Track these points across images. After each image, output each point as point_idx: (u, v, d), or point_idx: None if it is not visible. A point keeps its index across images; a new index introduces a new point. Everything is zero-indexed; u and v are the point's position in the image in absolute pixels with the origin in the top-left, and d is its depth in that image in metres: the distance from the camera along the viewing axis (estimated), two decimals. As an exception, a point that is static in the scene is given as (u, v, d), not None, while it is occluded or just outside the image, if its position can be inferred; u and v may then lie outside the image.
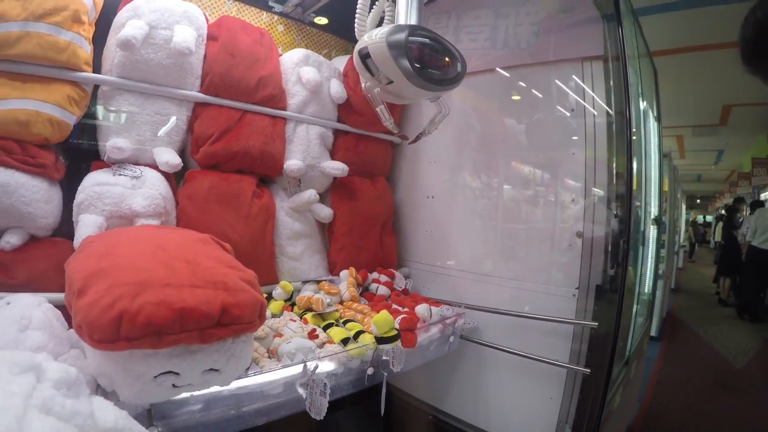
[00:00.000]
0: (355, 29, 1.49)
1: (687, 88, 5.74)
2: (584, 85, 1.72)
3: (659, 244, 3.29)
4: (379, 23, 1.60)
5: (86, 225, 1.34)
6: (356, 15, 1.48)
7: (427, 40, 1.31)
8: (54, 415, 0.69)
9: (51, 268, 1.34)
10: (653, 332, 5.43)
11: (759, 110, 6.50)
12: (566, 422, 1.66)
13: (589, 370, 1.57)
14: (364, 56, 1.32)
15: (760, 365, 4.95)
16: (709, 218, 21.39)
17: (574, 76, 1.75)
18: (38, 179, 1.35)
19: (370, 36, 1.30)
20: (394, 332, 1.48)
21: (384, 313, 1.50)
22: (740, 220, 7.81)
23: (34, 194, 1.33)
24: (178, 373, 0.94)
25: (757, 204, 7.61)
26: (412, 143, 1.70)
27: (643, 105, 2.61)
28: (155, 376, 0.92)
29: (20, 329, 1.03)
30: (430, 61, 1.31)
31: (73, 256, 1.14)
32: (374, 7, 1.57)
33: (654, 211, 3.20)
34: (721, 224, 12.91)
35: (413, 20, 1.42)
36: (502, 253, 1.99)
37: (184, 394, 1.04)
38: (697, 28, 3.98)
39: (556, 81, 1.81)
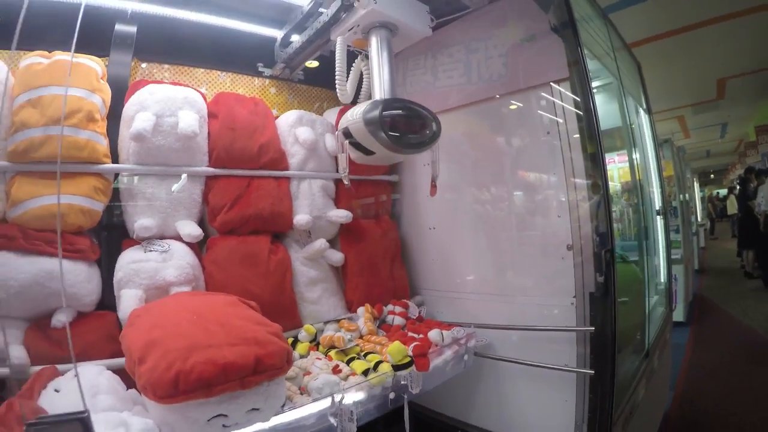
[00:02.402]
0: (337, 92, 1.81)
1: (677, 69, 6.00)
2: (555, 107, 1.97)
3: (668, 231, 3.47)
4: (360, 79, 1.93)
5: (128, 299, 1.64)
6: (336, 79, 1.79)
7: (399, 111, 1.61)
8: None
9: (99, 339, 1.64)
10: (681, 318, 5.64)
11: (753, 78, 6.73)
12: (583, 421, 1.88)
13: (593, 371, 1.80)
14: (347, 135, 1.63)
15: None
16: (724, 192, 21.18)
17: (544, 100, 2.01)
18: (78, 263, 1.65)
19: (348, 116, 1.61)
20: (408, 359, 1.76)
21: (397, 343, 1.78)
22: (753, 189, 7.90)
23: (77, 276, 1.63)
24: (226, 415, 1.22)
25: (764, 172, 7.75)
26: (434, 194, 1.98)
27: (628, 101, 2.83)
28: (208, 420, 1.21)
29: (92, 395, 1.33)
30: (407, 129, 1.62)
31: (126, 330, 1.44)
32: (352, 66, 1.89)
33: (658, 201, 3.42)
34: (733, 197, 12.83)
35: (386, 75, 1.73)
36: (503, 272, 2.25)
37: None
38: (673, 12, 4.19)
39: (529, 107, 2.08)
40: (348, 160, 1.74)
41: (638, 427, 2.27)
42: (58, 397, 1.32)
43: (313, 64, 2.51)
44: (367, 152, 1.68)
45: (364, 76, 1.91)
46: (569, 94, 1.93)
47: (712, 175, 23.16)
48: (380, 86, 1.74)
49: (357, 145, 1.66)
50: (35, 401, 1.30)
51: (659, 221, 3.44)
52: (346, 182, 1.85)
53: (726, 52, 5.56)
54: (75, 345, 1.59)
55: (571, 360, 1.92)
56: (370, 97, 1.83)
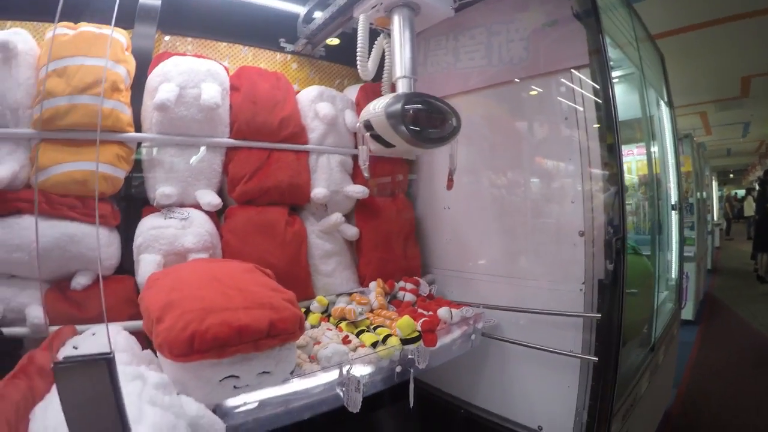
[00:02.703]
0: (359, 69, 1.84)
1: (702, 64, 5.90)
2: (574, 93, 1.98)
3: (682, 227, 3.48)
4: (382, 58, 1.95)
5: (147, 263, 1.71)
6: (357, 56, 1.83)
7: (420, 106, 1.64)
8: (159, 407, 1.05)
9: (118, 301, 1.71)
10: (690, 316, 5.63)
11: (779, 78, 6.51)
12: (583, 408, 1.92)
13: (597, 359, 1.84)
14: (368, 127, 1.67)
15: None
16: (742, 192, 20.99)
17: (564, 86, 2.02)
18: (100, 227, 1.73)
19: (370, 109, 1.64)
20: (416, 334, 1.81)
21: (406, 317, 1.84)
22: None
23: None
24: (238, 377, 1.28)
25: None
26: (450, 188, 2.02)
27: (649, 93, 2.81)
28: (220, 380, 1.27)
29: None
30: (428, 123, 1.65)
31: (145, 292, 1.51)
32: (374, 44, 1.92)
33: (674, 196, 3.42)
34: (751, 198, 12.65)
35: (407, 54, 1.75)
36: (515, 255, 2.27)
37: (243, 397, 1.39)
38: (699, 5, 4.11)
39: (549, 92, 2.09)
40: (368, 152, 1.79)
41: (638, 420, 2.31)
42: (76, 353, 1.38)
43: (333, 41, 2.53)
44: (388, 145, 1.72)
45: (386, 55, 1.93)
46: (589, 81, 1.93)
47: (731, 175, 22.86)
48: (401, 65, 1.76)
49: (377, 138, 1.71)
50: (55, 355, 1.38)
51: (674, 216, 3.43)
52: (365, 175, 1.92)
53: (752, 49, 5.44)
54: (93, 307, 1.67)
55: (577, 346, 1.95)
56: (391, 76, 1.86)
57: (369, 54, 1.89)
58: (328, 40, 2.48)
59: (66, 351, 1.41)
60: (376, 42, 1.92)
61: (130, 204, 1.92)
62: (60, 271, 1.68)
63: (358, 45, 1.81)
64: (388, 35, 1.89)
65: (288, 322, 1.33)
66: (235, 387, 1.31)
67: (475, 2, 2.19)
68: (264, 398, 1.46)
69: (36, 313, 1.56)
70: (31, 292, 1.62)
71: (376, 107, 1.63)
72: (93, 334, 1.50)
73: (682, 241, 3.50)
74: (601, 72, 1.85)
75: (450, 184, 2.00)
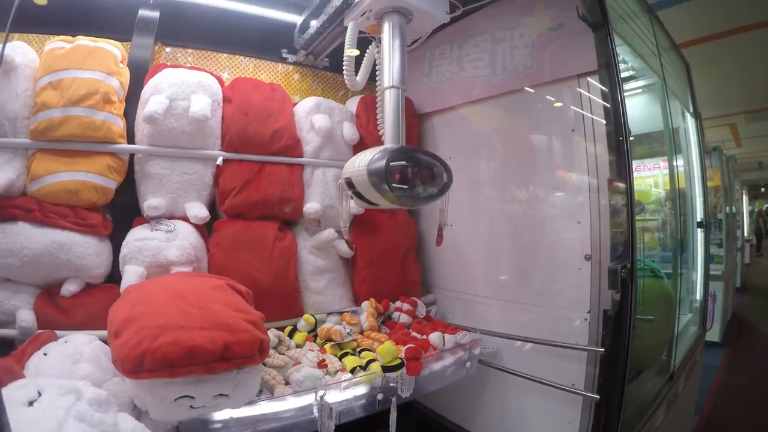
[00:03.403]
0: (345, 80, 1.79)
1: (731, 73, 5.61)
2: (582, 102, 1.87)
3: (708, 246, 3.27)
4: (374, 66, 1.89)
5: (130, 274, 1.73)
6: (344, 66, 1.79)
7: (407, 163, 1.55)
8: (86, 423, 1.05)
9: (104, 310, 1.67)
10: (716, 338, 5.41)
11: (813, 89, 6.10)
12: (586, 447, 1.79)
13: (598, 396, 1.71)
14: (350, 185, 1.60)
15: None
16: None
17: (570, 95, 1.91)
18: (89, 237, 1.77)
19: (354, 165, 1.56)
20: (398, 361, 1.73)
21: (388, 343, 1.76)
22: None
23: (87, 249, 1.75)
24: (193, 397, 1.26)
25: None
26: (439, 244, 1.93)
27: (673, 103, 2.65)
28: (175, 399, 1.24)
29: (73, 362, 1.43)
30: (415, 181, 1.56)
31: (116, 303, 1.52)
32: (366, 54, 1.87)
33: (700, 212, 3.23)
34: None
35: (396, 63, 1.69)
36: (518, 278, 2.17)
37: (212, 416, 1.38)
38: (727, 12, 3.89)
39: (554, 101, 1.99)
40: (349, 212, 1.75)
41: (654, 452, 2.13)
42: (45, 360, 1.44)
43: (353, 52, 2.50)
44: (371, 203, 1.64)
45: (377, 65, 1.87)
46: (598, 88, 1.82)
47: (762, 189, 21.70)
48: (389, 74, 1.70)
49: (359, 195, 1.62)
50: (24, 361, 1.43)
51: (699, 234, 3.24)
52: (346, 238, 1.89)
53: None
54: (80, 314, 1.73)
55: (580, 379, 1.83)
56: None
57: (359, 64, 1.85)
58: (348, 51, 2.44)
59: (36, 357, 1.45)
60: (367, 51, 1.87)
61: (123, 214, 1.94)
62: (50, 278, 1.73)
63: (345, 54, 1.77)
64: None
65: (245, 346, 1.30)
66: (191, 407, 1.28)
67: (478, 9, 2.11)
68: (226, 419, 1.42)
69: (24, 316, 1.62)
70: (22, 296, 1.69)
71: (360, 163, 1.55)
72: (65, 342, 1.53)
73: (708, 260, 3.31)
74: (610, 77, 1.75)
75: (439, 240, 1.91)
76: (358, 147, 2.36)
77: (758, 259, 14.85)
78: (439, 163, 1.64)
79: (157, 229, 1.84)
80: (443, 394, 2.22)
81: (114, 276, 1.84)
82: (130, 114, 1.92)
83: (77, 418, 1.04)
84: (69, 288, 1.72)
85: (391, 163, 1.49)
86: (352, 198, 1.68)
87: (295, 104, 2.31)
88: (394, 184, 1.48)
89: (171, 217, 1.93)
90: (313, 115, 2.23)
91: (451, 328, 2.12)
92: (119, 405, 1.35)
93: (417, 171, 1.58)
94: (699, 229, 3.23)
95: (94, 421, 1.07)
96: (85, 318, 1.71)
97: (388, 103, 1.69)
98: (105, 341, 1.56)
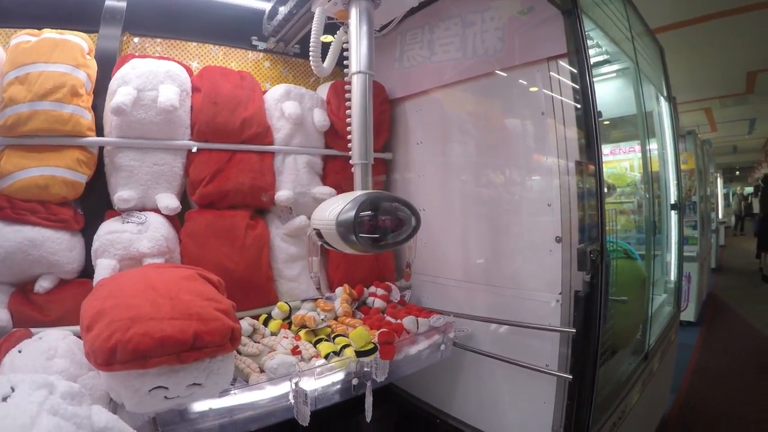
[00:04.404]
0: (312, 66, 1.82)
1: (706, 59, 5.81)
2: (551, 85, 1.91)
3: (682, 228, 3.37)
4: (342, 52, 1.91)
5: (102, 268, 1.75)
6: (310, 52, 1.81)
7: (371, 213, 1.58)
8: (59, 416, 1.07)
9: (78, 305, 1.69)
10: (691, 317, 5.65)
11: (786, 74, 6.29)
12: (560, 426, 1.85)
13: (571, 376, 1.77)
14: (319, 236, 1.63)
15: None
16: (749, 189, 20.74)
17: (540, 78, 1.95)
18: (61, 232, 1.79)
19: (326, 214, 1.58)
20: (371, 346, 1.78)
21: (360, 329, 1.82)
22: None
23: (59, 245, 1.76)
24: (167, 388, 1.29)
25: None
26: (408, 279, 2.02)
27: (647, 87, 2.70)
28: (149, 390, 1.28)
29: (47, 358, 1.46)
30: (384, 228, 1.60)
31: (88, 297, 1.54)
32: (333, 40, 1.89)
33: (674, 195, 3.31)
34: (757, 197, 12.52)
35: (364, 48, 1.70)
36: (491, 261, 2.22)
37: (191, 406, 1.43)
38: None
39: (525, 84, 2.03)
40: (319, 263, 1.76)
41: (630, 430, 2.20)
42: (19, 357, 1.46)
43: (324, 38, 2.51)
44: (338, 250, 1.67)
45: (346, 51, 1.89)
46: (567, 71, 1.86)
47: (737, 172, 22.37)
48: (357, 60, 1.71)
49: (329, 245, 1.65)
50: (-2, 359, 1.45)
51: (673, 216, 3.32)
52: (317, 287, 1.89)
53: (758, 43, 5.25)
54: (54, 310, 1.75)
55: (553, 360, 1.90)
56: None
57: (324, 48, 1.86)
58: (323, 37, 2.46)
59: (11, 354, 1.47)
60: (335, 36, 1.88)
61: (95, 207, 1.96)
62: (23, 275, 1.74)
63: (311, 40, 1.79)
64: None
65: (215, 334, 1.33)
66: (166, 397, 1.32)
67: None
68: (203, 409, 1.46)
69: (0, 316, 1.64)
70: (-3, 296, 1.70)
71: (328, 214, 1.57)
72: (40, 338, 1.55)
73: (682, 241, 3.40)
74: (580, 64, 1.77)
75: (408, 275, 1.98)
76: (330, 134, 2.40)
77: (734, 241, 15.43)
78: (407, 209, 1.68)
79: (128, 222, 1.86)
80: (421, 378, 2.28)
81: (87, 271, 1.85)
82: (98, 106, 1.92)
83: (51, 412, 1.07)
84: (43, 284, 1.74)
85: (360, 214, 1.52)
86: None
87: (265, 92, 2.32)
88: (361, 235, 1.52)
89: (142, 209, 1.95)
90: (283, 103, 2.25)
91: (426, 312, 2.17)
92: (95, 399, 1.41)
93: (385, 220, 1.62)
94: (673, 212, 3.30)
95: (67, 415, 1.09)
96: (60, 314, 1.73)
97: (356, 89, 1.70)
98: (79, 336, 1.58)
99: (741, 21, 4.57)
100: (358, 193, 1.63)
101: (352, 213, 1.50)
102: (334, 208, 1.55)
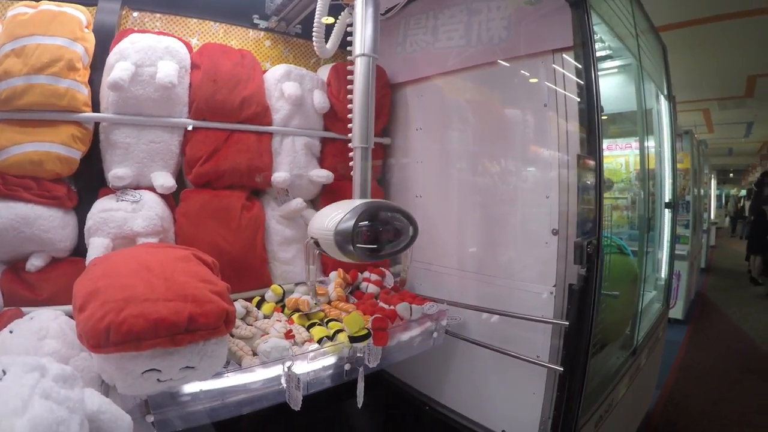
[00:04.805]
0: (315, 47, 1.79)
1: (707, 60, 5.84)
2: (555, 78, 1.89)
3: (674, 226, 3.44)
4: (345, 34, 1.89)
5: (95, 247, 1.74)
6: (313, 32, 1.79)
7: (370, 223, 1.58)
8: (51, 400, 1.06)
9: (70, 284, 1.68)
10: (679, 315, 5.77)
11: (786, 79, 6.36)
12: (549, 418, 1.87)
13: (562, 368, 1.78)
14: (317, 244, 1.63)
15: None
16: (743, 193, 21.31)
17: (544, 70, 1.93)
18: (54, 209, 1.76)
19: (325, 223, 1.57)
20: (365, 331, 1.79)
21: (354, 314, 1.82)
22: None
23: (51, 222, 1.74)
24: (160, 370, 1.29)
25: None
26: (403, 286, 2.05)
27: (648, 85, 2.70)
28: (142, 373, 1.27)
29: (39, 338, 1.44)
30: (383, 238, 1.61)
31: (80, 277, 1.52)
32: (337, 21, 1.86)
33: (668, 193, 3.33)
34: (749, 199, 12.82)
35: (369, 30, 1.68)
36: (487, 251, 2.22)
37: (180, 388, 1.42)
38: None
39: (528, 75, 2.01)
40: (316, 271, 1.77)
41: (615, 423, 2.25)
42: (10, 337, 1.44)
43: (327, 20, 2.48)
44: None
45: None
46: (572, 65, 1.84)
47: (731, 174, 22.78)
48: (361, 42, 1.69)
49: (326, 253, 1.65)
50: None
51: (667, 214, 3.35)
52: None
53: (759, 48, 5.28)
54: (46, 289, 1.73)
55: (545, 352, 1.91)
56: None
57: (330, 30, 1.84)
58: (324, 18, 2.43)
59: (2, 334, 1.45)
60: (338, 18, 1.85)
61: (89, 185, 1.93)
62: (15, 253, 1.72)
63: (315, 20, 1.77)
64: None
65: (210, 317, 1.32)
66: (159, 380, 1.32)
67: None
68: (194, 391, 1.46)
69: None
70: (-13, 273, 1.68)
71: (327, 224, 1.57)
72: (31, 318, 1.54)
73: (674, 239, 3.46)
74: (585, 58, 1.77)
75: (402, 282, 2.07)
76: (329, 116, 2.37)
77: (725, 241, 15.67)
78: (405, 218, 1.68)
79: (122, 200, 1.84)
80: (412, 366, 2.30)
81: (80, 249, 1.84)
82: (95, 81, 1.88)
83: (43, 396, 1.06)
84: (34, 263, 1.71)
85: (359, 224, 1.52)
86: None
87: (265, 71, 2.29)
88: (359, 245, 1.52)
89: (137, 187, 1.93)
90: (283, 83, 2.22)
91: (419, 299, 2.18)
92: (87, 380, 1.39)
93: (383, 230, 1.63)
94: (667, 210, 3.33)
95: (60, 398, 1.08)
96: (52, 293, 1.72)
97: (359, 72, 1.69)
98: (71, 316, 1.56)
99: (743, 25, 4.58)
100: (357, 202, 1.63)
101: (351, 223, 1.51)
102: (333, 217, 1.55)
